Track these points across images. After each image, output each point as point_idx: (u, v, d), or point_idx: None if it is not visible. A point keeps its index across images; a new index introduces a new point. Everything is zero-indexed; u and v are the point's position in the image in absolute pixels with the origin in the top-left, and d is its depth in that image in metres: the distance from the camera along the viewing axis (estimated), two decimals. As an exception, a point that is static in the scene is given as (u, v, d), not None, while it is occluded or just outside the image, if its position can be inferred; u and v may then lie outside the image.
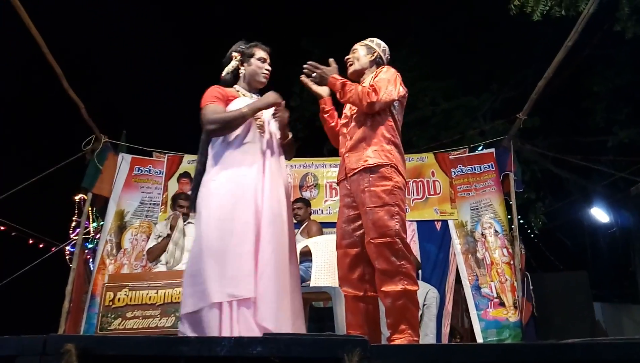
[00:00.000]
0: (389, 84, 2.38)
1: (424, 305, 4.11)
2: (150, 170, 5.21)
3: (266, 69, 2.40)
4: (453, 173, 5.18)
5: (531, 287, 4.46)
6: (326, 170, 5.36)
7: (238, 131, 2.19)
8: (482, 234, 4.89)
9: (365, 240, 2.31)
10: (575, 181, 8.71)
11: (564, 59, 3.88)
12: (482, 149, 5.41)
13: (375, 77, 2.45)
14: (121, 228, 4.93)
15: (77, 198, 5.00)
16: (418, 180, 5.20)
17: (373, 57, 2.60)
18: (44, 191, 5.31)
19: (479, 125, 8.00)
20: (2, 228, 6.56)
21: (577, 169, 8.23)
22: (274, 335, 1.36)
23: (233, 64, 2.39)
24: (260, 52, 2.39)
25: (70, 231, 5.09)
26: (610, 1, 4.72)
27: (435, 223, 5.08)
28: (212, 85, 2.36)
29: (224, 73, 2.40)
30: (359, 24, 7.78)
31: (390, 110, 2.46)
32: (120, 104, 8.42)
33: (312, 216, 4.69)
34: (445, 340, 4.55)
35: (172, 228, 4.07)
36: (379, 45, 2.65)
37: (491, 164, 5.11)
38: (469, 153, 5.31)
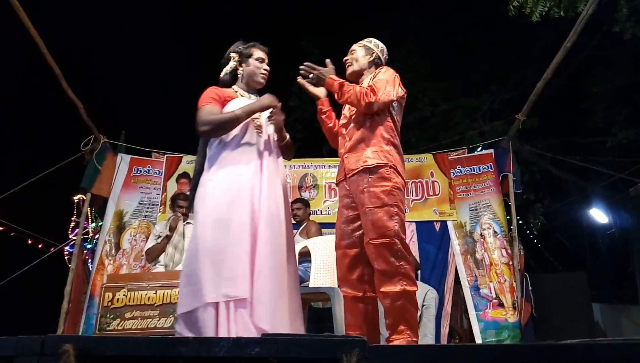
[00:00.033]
0: (387, 85, 2.38)
1: (422, 305, 4.11)
2: (149, 170, 5.21)
3: (265, 69, 2.39)
4: (452, 174, 5.18)
5: (530, 288, 4.47)
6: (325, 171, 5.36)
7: (235, 132, 2.19)
8: (481, 235, 4.89)
9: (364, 241, 2.31)
10: (574, 182, 8.72)
11: (563, 60, 3.88)
12: (481, 150, 5.42)
13: (374, 78, 2.45)
14: (120, 228, 4.93)
15: (76, 198, 4.99)
16: (417, 181, 5.20)
17: (372, 58, 2.60)
18: (43, 191, 5.30)
19: (478, 126, 8.00)
20: (1, 228, 6.55)
21: (576, 170, 8.24)
22: (272, 336, 1.36)
23: (231, 64, 2.39)
24: (258, 52, 2.39)
25: (69, 232, 5.08)
26: (609, 2, 4.72)
27: (434, 223, 5.08)
28: (211, 85, 2.36)
29: (222, 74, 2.39)
30: (359, 24, 7.78)
31: (389, 111, 2.46)
32: (119, 105, 8.41)
33: (311, 217, 4.69)
34: (444, 340, 4.55)
35: (171, 229, 4.07)
36: (377, 45, 2.64)
37: (490, 165, 5.11)
38: (468, 153, 5.31)
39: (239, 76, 2.40)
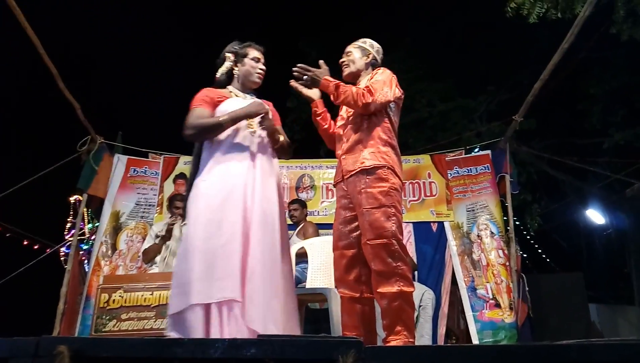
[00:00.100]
0: (384, 86, 2.38)
1: (419, 306, 4.11)
2: (146, 171, 5.19)
3: (260, 69, 2.38)
4: (449, 175, 5.19)
5: (527, 288, 4.47)
6: (322, 171, 5.36)
7: (229, 132, 2.19)
8: (478, 235, 4.89)
9: (361, 241, 2.31)
10: (571, 183, 8.74)
11: (560, 61, 3.88)
12: (478, 151, 5.42)
13: (371, 79, 2.44)
14: (116, 229, 4.91)
15: (72, 199, 4.98)
16: (414, 181, 5.20)
17: (368, 59, 2.59)
18: (39, 192, 5.27)
19: (475, 127, 8.02)
20: (-3, 229, 6.53)
21: (572, 171, 8.26)
22: (268, 337, 1.35)
23: (227, 64, 2.38)
24: (253, 52, 2.38)
25: (65, 232, 5.06)
26: (606, 4, 4.74)
27: (432, 224, 5.08)
28: (208, 86, 2.35)
29: (218, 74, 2.39)
30: (356, 25, 7.78)
31: (387, 111, 2.46)
32: (116, 105, 8.40)
33: (308, 218, 4.68)
34: (441, 341, 4.54)
35: (169, 231, 4.05)
36: (372, 46, 2.64)
37: (487, 165, 5.12)
38: (465, 154, 5.32)
39: (234, 76, 2.39)
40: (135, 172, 5.15)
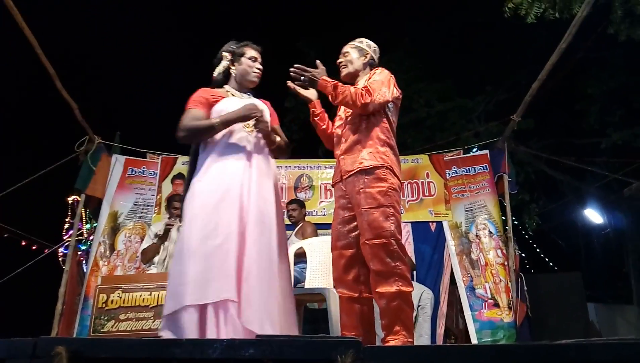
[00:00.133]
0: (382, 86, 2.38)
1: (418, 306, 4.11)
2: (144, 171, 5.19)
3: (257, 68, 2.37)
4: (447, 175, 5.19)
5: (525, 288, 4.47)
6: (321, 171, 5.36)
7: (225, 131, 2.18)
8: (477, 235, 4.90)
9: (360, 241, 2.31)
10: (569, 183, 8.75)
11: (558, 61, 3.89)
12: (476, 151, 5.43)
13: (369, 79, 2.44)
14: (114, 229, 4.91)
15: (70, 199, 4.97)
16: (413, 181, 5.20)
17: (366, 59, 2.59)
18: (37, 192, 5.27)
19: (474, 127, 8.03)
20: (-5, 229, 6.52)
21: (571, 171, 8.27)
22: (266, 337, 1.35)
23: (224, 64, 2.37)
24: (251, 52, 2.37)
25: (63, 233, 5.05)
26: (603, 4, 4.74)
27: (430, 224, 5.08)
28: (206, 86, 2.35)
29: (215, 73, 2.38)
30: (354, 25, 7.78)
31: (385, 112, 2.46)
32: (114, 105, 8.39)
33: (307, 218, 4.68)
34: (439, 341, 4.55)
35: (166, 231, 4.04)
36: (369, 46, 2.63)
37: (485, 165, 5.12)
38: (463, 154, 5.32)
39: (231, 75, 2.38)
40: (133, 172, 5.14)
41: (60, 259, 5.02)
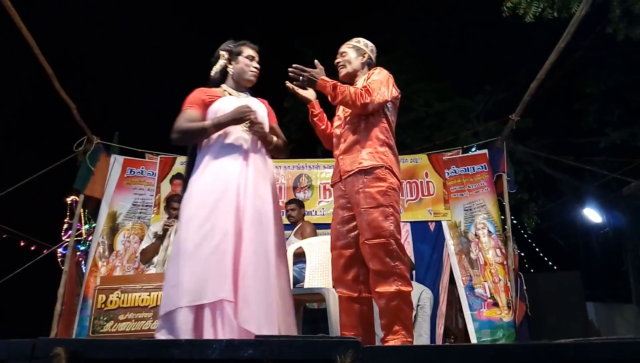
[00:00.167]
0: (381, 86, 2.37)
1: (417, 305, 4.11)
2: (142, 171, 5.18)
3: (255, 67, 2.37)
4: (446, 174, 5.19)
5: (524, 287, 4.48)
6: (320, 171, 5.35)
7: (222, 131, 2.18)
8: (476, 234, 4.90)
9: (359, 241, 2.31)
10: (567, 182, 8.77)
11: (557, 60, 3.89)
12: (475, 150, 5.43)
13: (368, 79, 2.44)
14: (113, 229, 4.90)
15: (69, 199, 4.96)
16: (412, 181, 5.20)
17: (364, 59, 2.58)
18: (36, 193, 5.26)
19: (472, 126, 8.03)
20: (-6, 230, 6.51)
21: (569, 170, 8.28)
22: (265, 337, 1.35)
23: (221, 62, 2.37)
24: (248, 50, 2.37)
25: (62, 233, 5.05)
26: (602, 3, 4.75)
27: (429, 223, 5.08)
28: (205, 86, 2.35)
29: (212, 72, 2.38)
30: (353, 25, 7.78)
31: (384, 111, 2.45)
32: (113, 105, 8.38)
33: (306, 218, 4.68)
34: (439, 340, 4.55)
35: (165, 231, 4.04)
36: (367, 45, 2.62)
37: (484, 165, 5.12)
38: (462, 153, 5.32)
39: (228, 74, 2.38)
40: (132, 172, 5.14)
41: (59, 259, 5.02)
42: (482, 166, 5.13)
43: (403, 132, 7.93)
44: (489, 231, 4.87)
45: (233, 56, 2.36)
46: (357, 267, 2.36)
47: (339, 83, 2.40)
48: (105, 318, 3.15)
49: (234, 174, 2.10)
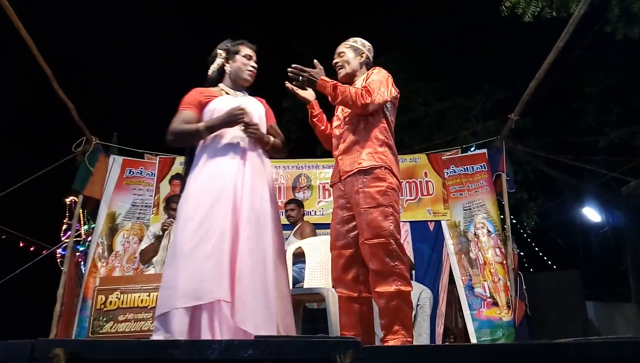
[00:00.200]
0: (381, 86, 2.37)
1: (417, 305, 4.11)
2: (141, 172, 5.18)
3: (252, 66, 2.36)
4: (446, 174, 5.19)
5: (524, 287, 4.48)
6: (319, 171, 5.35)
7: (219, 130, 2.18)
8: (475, 234, 4.90)
9: (359, 241, 2.31)
10: (567, 181, 8.76)
11: (555, 60, 3.89)
12: (474, 150, 5.42)
13: (367, 79, 2.43)
14: (112, 230, 4.90)
15: (68, 200, 4.96)
16: (411, 181, 5.20)
17: (362, 59, 2.58)
18: (35, 193, 5.25)
19: (472, 126, 8.03)
20: (-7, 231, 6.50)
21: (568, 169, 8.28)
22: (265, 338, 1.35)
23: (218, 61, 2.37)
24: (245, 50, 2.36)
25: (61, 234, 5.04)
26: (600, 2, 4.75)
27: (429, 223, 5.08)
28: (202, 86, 2.35)
29: (209, 71, 2.38)
30: (352, 25, 7.77)
31: (383, 111, 2.45)
32: (111, 106, 8.37)
33: (305, 218, 4.68)
34: (439, 340, 4.55)
35: (163, 231, 4.04)
36: (364, 45, 2.62)
37: (483, 164, 5.13)
38: (461, 153, 5.32)
39: (226, 73, 2.38)
40: (131, 173, 5.13)
41: (58, 260, 5.01)
42: (481, 166, 5.13)
43: (402, 132, 7.92)
44: (489, 231, 4.88)
45: (230, 54, 2.36)
46: (356, 267, 2.36)
47: (339, 83, 2.39)
48: (104, 319, 3.14)
49: (231, 174, 2.09)
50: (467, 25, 8.14)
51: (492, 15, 5.19)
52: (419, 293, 4.18)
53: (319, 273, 3.28)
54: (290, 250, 3.40)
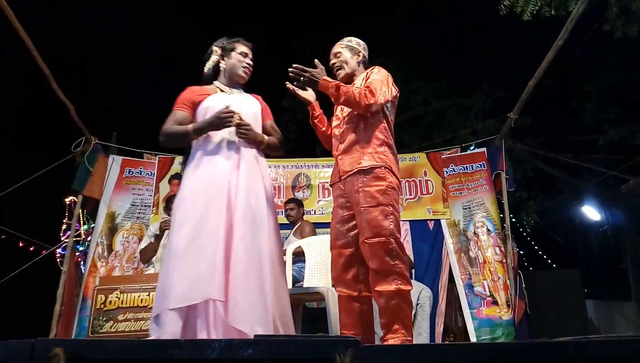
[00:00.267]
0: (382, 85, 2.36)
1: (417, 304, 4.11)
2: (141, 172, 5.17)
3: (247, 63, 2.35)
4: (445, 173, 5.19)
5: (524, 285, 4.48)
6: (319, 171, 5.35)
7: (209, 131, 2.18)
8: (475, 233, 4.90)
9: (359, 240, 2.31)
10: (566, 180, 8.78)
11: (554, 58, 3.89)
12: (473, 149, 5.43)
13: (367, 79, 2.42)
14: (112, 230, 4.89)
15: (67, 200, 4.96)
16: (410, 180, 5.20)
17: (359, 58, 2.57)
18: (34, 193, 5.25)
19: (471, 125, 8.03)
20: (-8, 231, 6.49)
21: (568, 168, 8.29)
22: (265, 337, 1.35)
23: (213, 58, 2.37)
24: (241, 47, 2.35)
25: (61, 234, 5.04)
26: (599, 1, 4.75)
27: (428, 222, 5.08)
28: (199, 84, 2.35)
29: (205, 69, 2.38)
30: (351, 25, 7.77)
31: (383, 111, 2.44)
32: (111, 106, 8.37)
33: (305, 217, 4.68)
34: (438, 339, 4.55)
35: (163, 231, 4.04)
36: (359, 44, 2.60)
37: (483, 163, 5.12)
38: (461, 152, 5.32)
39: (221, 70, 2.37)
40: (131, 173, 5.13)
41: (58, 260, 5.01)
42: (480, 165, 5.13)
43: (401, 131, 7.92)
44: (488, 230, 4.88)
45: (226, 52, 2.35)
46: (356, 266, 2.36)
47: (342, 84, 2.37)
48: (104, 319, 3.15)
49: (225, 173, 2.09)
50: (466, 25, 8.15)
51: (491, 15, 5.19)
52: (419, 292, 4.18)
53: (318, 272, 3.28)
54: (290, 249, 3.40)
